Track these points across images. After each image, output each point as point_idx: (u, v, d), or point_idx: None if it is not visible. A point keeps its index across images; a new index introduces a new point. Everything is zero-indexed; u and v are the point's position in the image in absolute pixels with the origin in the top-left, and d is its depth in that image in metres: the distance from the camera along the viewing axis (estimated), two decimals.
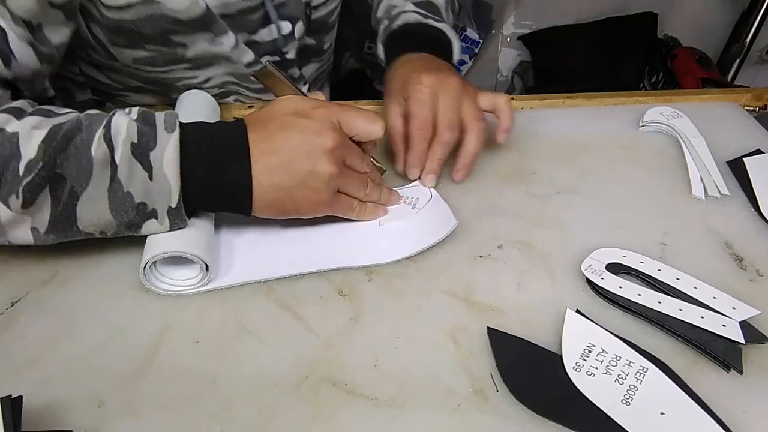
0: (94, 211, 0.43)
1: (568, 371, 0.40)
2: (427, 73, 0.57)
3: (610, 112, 0.69)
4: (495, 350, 0.42)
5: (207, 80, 0.68)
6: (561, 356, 0.41)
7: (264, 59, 0.67)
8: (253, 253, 0.50)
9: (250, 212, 0.46)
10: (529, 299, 0.46)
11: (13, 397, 0.35)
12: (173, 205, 0.44)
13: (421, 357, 0.42)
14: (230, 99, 0.72)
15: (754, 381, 0.40)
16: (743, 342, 0.41)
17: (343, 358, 0.42)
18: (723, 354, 0.41)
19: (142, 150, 0.42)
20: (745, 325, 0.42)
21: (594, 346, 0.41)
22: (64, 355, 0.43)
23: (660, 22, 1.54)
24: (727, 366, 0.40)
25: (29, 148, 0.40)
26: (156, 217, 0.44)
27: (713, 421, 0.37)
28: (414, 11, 0.68)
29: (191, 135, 0.44)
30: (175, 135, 0.43)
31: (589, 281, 0.47)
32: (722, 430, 0.36)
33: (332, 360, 0.42)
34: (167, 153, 0.42)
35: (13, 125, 0.41)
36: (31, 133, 0.41)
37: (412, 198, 0.54)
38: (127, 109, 0.44)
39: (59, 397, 0.40)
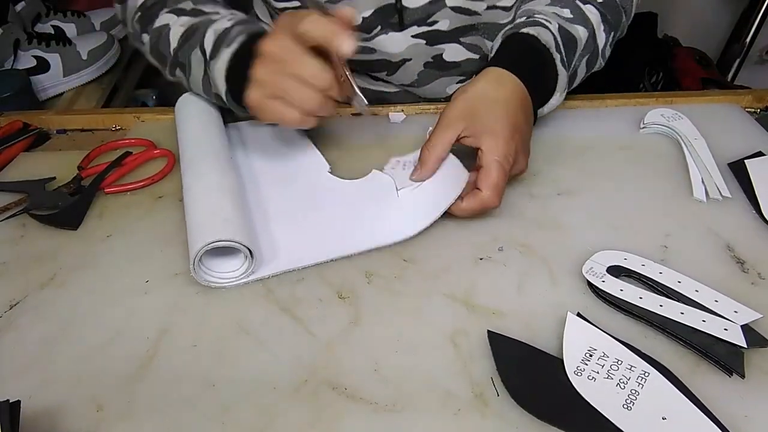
0: (196, 84, 0.62)
1: (569, 375, 0.39)
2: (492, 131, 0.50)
3: (611, 113, 0.69)
4: (495, 354, 0.42)
5: None
6: (562, 360, 0.40)
7: None
8: (288, 242, 0.51)
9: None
10: (530, 302, 0.46)
11: (11, 401, 0.35)
12: (221, 95, 0.57)
13: (421, 360, 0.42)
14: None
15: (756, 385, 0.40)
16: (745, 346, 0.41)
17: (343, 362, 0.42)
18: (725, 358, 0.40)
19: (211, 58, 0.57)
20: (747, 329, 0.42)
21: (595, 350, 0.41)
22: (62, 358, 0.43)
23: (660, 22, 1.53)
24: (729, 370, 0.40)
25: (173, 40, 0.60)
26: (223, 102, 0.59)
27: (715, 426, 0.36)
28: (550, 30, 0.57)
29: (239, 54, 0.54)
30: (230, 50, 0.55)
31: (590, 284, 0.47)
32: None
33: (332, 363, 0.42)
34: (218, 65, 0.56)
35: (172, 20, 0.61)
36: (178, 30, 0.60)
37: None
38: (221, 23, 0.58)
39: (58, 401, 0.40)
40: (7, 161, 0.64)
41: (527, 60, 0.56)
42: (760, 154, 0.60)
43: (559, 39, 0.57)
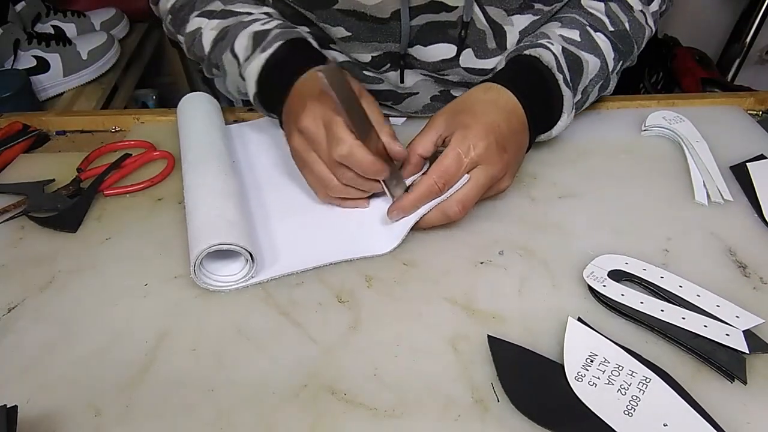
0: (232, 84, 0.63)
1: (569, 381, 0.39)
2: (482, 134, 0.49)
3: (612, 115, 0.69)
4: (495, 359, 0.42)
5: None
6: (562, 365, 0.40)
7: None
8: (288, 245, 0.51)
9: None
10: (531, 306, 0.46)
11: (8, 406, 0.35)
12: (250, 97, 0.59)
13: (421, 365, 0.42)
14: None
15: (758, 391, 0.39)
16: (747, 351, 0.40)
17: (342, 366, 0.42)
18: (726, 363, 0.40)
19: (245, 62, 0.58)
20: (748, 334, 0.42)
21: (596, 355, 0.41)
22: (60, 362, 0.43)
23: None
24: (730, 376, 0.40)
25: (207, 43, 0.62)
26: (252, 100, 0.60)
27: None
28: (554, 56, 0.56)
29: (270, 62, 0.56)
30: (265, 54, 0.56)
31: (591, 288, 0.46)
32: None
33: (331, 368, 0.42)
34: (251, 68, 0.57)
35: (203, 24, 0.62)
36: (210, 33, 0.61)
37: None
38: (256, 26, 0.59)
39: (55, 406, 0.40)
40: (7, 163, 0.64)
41: (527, 79, 0.55)
42: (762, 157, 0.60)
43: (562, 60, 0.57)
